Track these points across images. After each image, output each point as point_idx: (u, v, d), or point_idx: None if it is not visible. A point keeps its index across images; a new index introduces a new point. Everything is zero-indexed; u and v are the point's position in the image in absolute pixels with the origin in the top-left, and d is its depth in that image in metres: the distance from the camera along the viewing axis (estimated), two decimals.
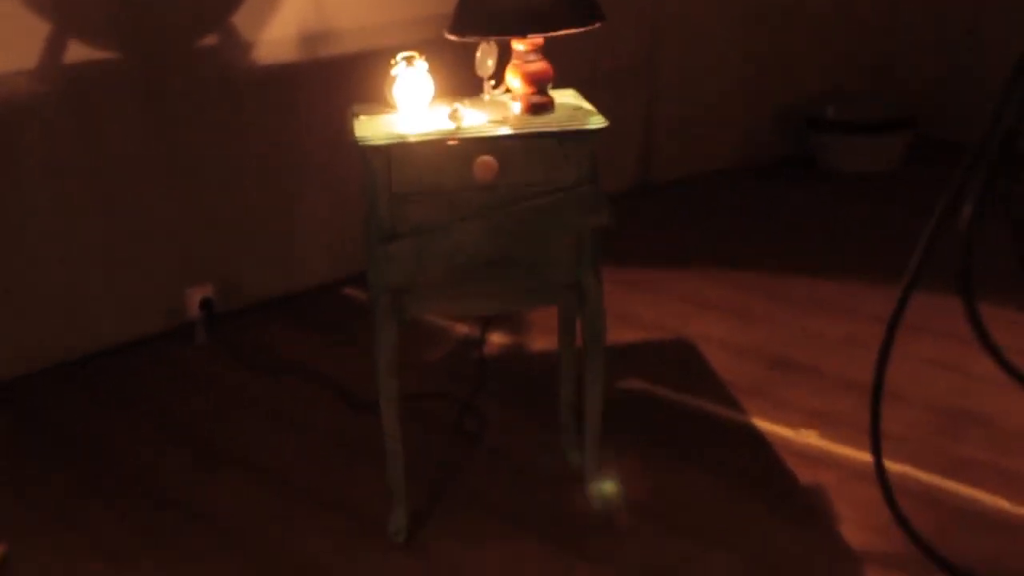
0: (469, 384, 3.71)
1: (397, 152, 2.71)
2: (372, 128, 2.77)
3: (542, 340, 4.01)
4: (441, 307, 2.91)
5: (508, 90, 2.91)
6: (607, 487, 3.07)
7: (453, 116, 2.74)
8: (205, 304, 4.17)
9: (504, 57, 2.86)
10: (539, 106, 2.80)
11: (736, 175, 5.76)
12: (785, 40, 5.79)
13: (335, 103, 4.21)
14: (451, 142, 2.72)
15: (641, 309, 4.27)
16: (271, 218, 4.38)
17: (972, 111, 5.64)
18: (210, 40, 4.12)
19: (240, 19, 4.16)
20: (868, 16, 6.01)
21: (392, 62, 2.82)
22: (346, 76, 4.09)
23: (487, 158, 2.73)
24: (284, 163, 4.36)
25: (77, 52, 3.79)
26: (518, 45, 2.79)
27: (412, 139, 2.71)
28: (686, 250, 4.87)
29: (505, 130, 2.74)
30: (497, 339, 4.03)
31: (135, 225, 4.05)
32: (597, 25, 2.74)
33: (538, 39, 2.78)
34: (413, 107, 2.83)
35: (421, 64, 2.84)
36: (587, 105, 2.89)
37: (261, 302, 4.39)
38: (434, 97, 2.90)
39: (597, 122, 2.76)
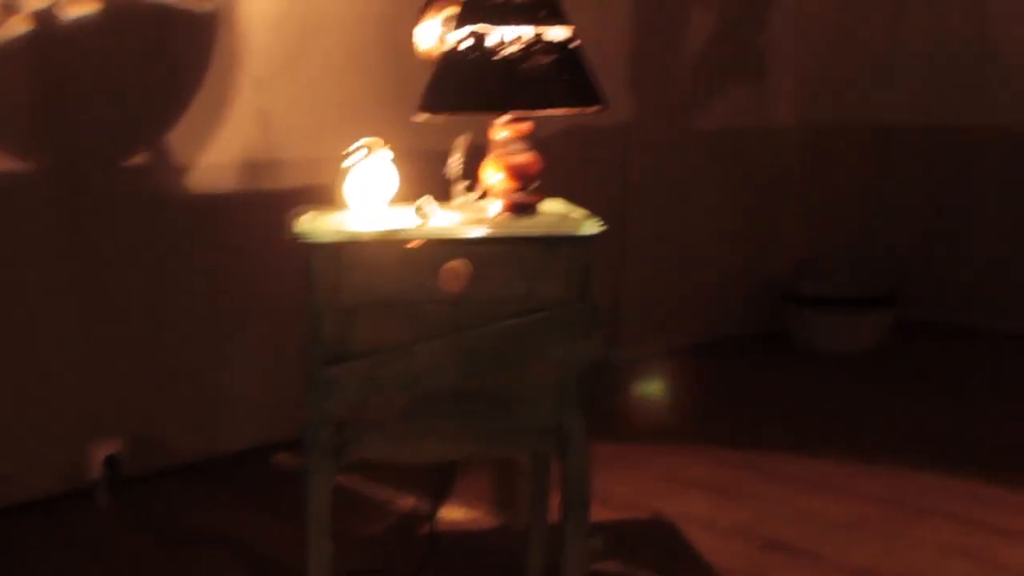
0: (414, 560, 3.13)
1: (347, 253, 2.23)
2: (319, 224, 2.28)
3: (507, 501, 3.56)
4: (391, 448, 2.34)
5: (484, 195, 2.45)
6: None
7: (419, 212, 2.26)
8: (110, 462, 3.62)
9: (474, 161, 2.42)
10: (523, 206, 2.33)
11: (707, 350, 5.37)
12: (760, 211, 5.52)
13: (277, 240, 3.78)
14: (413, 243, 2.23)
15: (614, 486, 3.79)
16: (196, 368, 3.86)
17: (952, 291, 5.60)
18: (141, 159, 3.65)
19: (177, 139, 3.71)
20: (844, 186, 5.81)
21: (347, 151, 2.36)
22: (291, 211, 3.61)
23: (457, 264, 2.24)
24: (216, 305, 3.86)
25: None
26: (500, 132, 2.34)
27: (366, 237, 2.23)
28: (659, 425, 4.43)
29: (480, 231, 2.26)
30: (451, 500, 3.49)
31: (34, 363, 3.52)
32: (596, 108, 2.29)
33: (524, 125, 2.32)
34: (370, 204, 2.35)
35: (384, 153, 2.38)
36: (579, 211, 2.42)
37: (177, 464, 3.84)
38: (396, 196, 2.43)
39: (592, 228, 2.29)
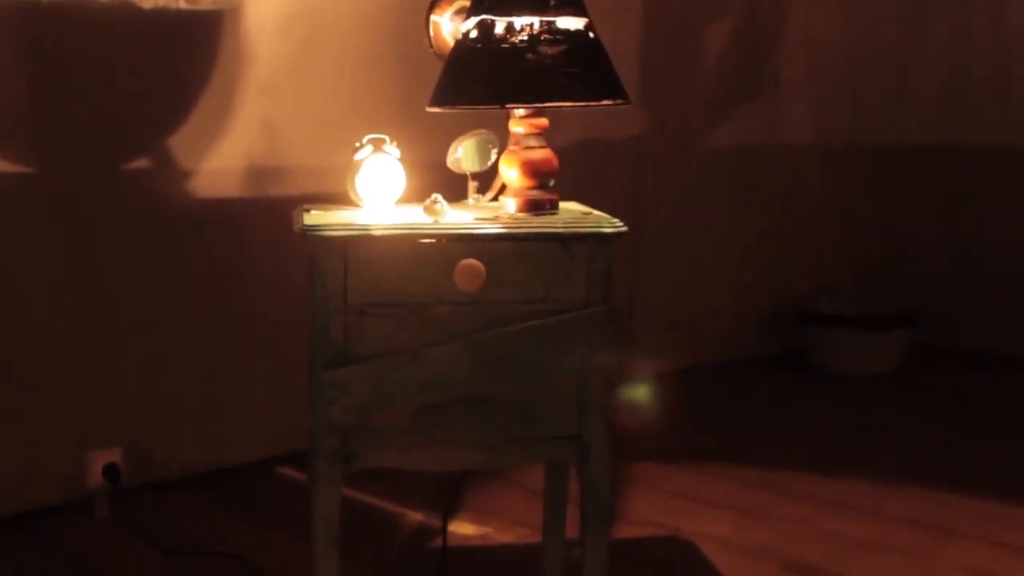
0: None
1: (356, 249, 2.11)
2: (326, 220, 2.17)
3: (521, 515, 3.39)
4: (400, 457, 2.20)
5: (498, 196, 2.34)
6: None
7: (431, 209, 2.15)
8: (109, 472, 3.48)
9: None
10: (540, 203, 2.22)
11: (723, 368, 5.25)
12: (776, 229, 5.41)
13: (282, 247, 3.68)
14: (427, 240, 2.12)
15: (630, 504, 3.69)
16: (198, 377, 3.74)
17: (973, 313, 5.48)
18: (142, 163, 3.55)
19: (181, 143, 3.60)
20: (861, 205, 5.71)
21: (356, 145, 2.25)
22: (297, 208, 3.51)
23: (472, 262, 2.12)
24: (218, 311, 3.75)
25: None
26: (516, 127, 2.23)
27: (376, 232, 2.11)
28: (675, 445, 4.31)
29: (496, 228, 2.14)
30: (464, 515, 3.37)
31: (32, 370, 3.40)
32: (617, 103, 2.17)
33: (540, 120, 2.21)
34: (380, 200, 2.24)
35: (392, 150, 2.27)
36: (597, 212, 2.31)
37: (179, 476, 3.71)
38: (403, 198, 2.32)
39: (614, 226, 2.18)
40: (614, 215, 2.26)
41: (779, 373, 5.30)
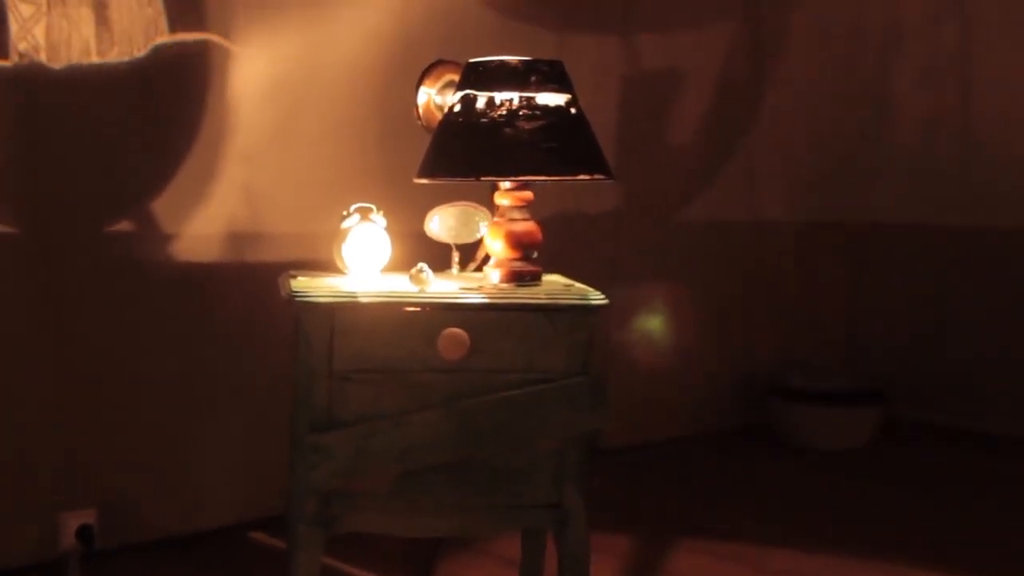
0: None
1: (343, 315, 2.14)
2: (312, 286, 2.20)
3: None
4: (382, 521, 2.23)
5: (481, 266, 2.38)
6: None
7: (416, 278, 2.19)
8: (83, 534, 3.46)
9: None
10: (524, 274, 2.26)
11: (692, 441, 5.28)
12: (748, 303, 5.47)
13: (259, 312, 3.71)
14: (412, 308, 2.15)
15: (599, 574, 3.63)
16: (172, 438, 3.72)
17: (940, 390, 5.55)
18: (124, 225, 3.57)
19: (162, 207, 3.63)
20: (832, 281, 5.78)
21: (344, 213, 2.29)
22: (275, 285, 3.53)
23: (456, 331, 2.16)
24: (194, 374, 3.74)
25: None
26: (502, 199, 2.28)
27: (363, 300, 2.14)
28: (645, 517, 4.30)
29: (481, 298, 2.18)
30: None
31: (4, 429, 3.38)
32: (595, 178, 2.22)
33: (524, 193, 2.26)
34: (365, 269, 2.28)
35: (379, 219, 2.31)
36: (579, 284, 2.35)
37: (153, 539, 3.68)
38: (388, 266, 2.35)
39: (597, 298, 2.22)
40: (591, 287, 2.30)
41: (750, 446, 5.32)
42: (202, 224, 3.74)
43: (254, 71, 3.79)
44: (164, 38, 3.61)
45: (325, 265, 2.46)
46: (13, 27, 3.30)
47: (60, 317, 3.47)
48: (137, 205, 3.62)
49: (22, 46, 3.32)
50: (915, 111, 5.75)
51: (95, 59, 3.45)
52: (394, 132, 3.35)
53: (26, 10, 3.33)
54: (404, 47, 3.83)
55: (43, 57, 3.36)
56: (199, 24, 3.70)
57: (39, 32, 3.36)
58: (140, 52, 3.55)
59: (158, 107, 3.64)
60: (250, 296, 3.73)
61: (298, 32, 3.87)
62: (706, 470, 4.99)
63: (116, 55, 3.50)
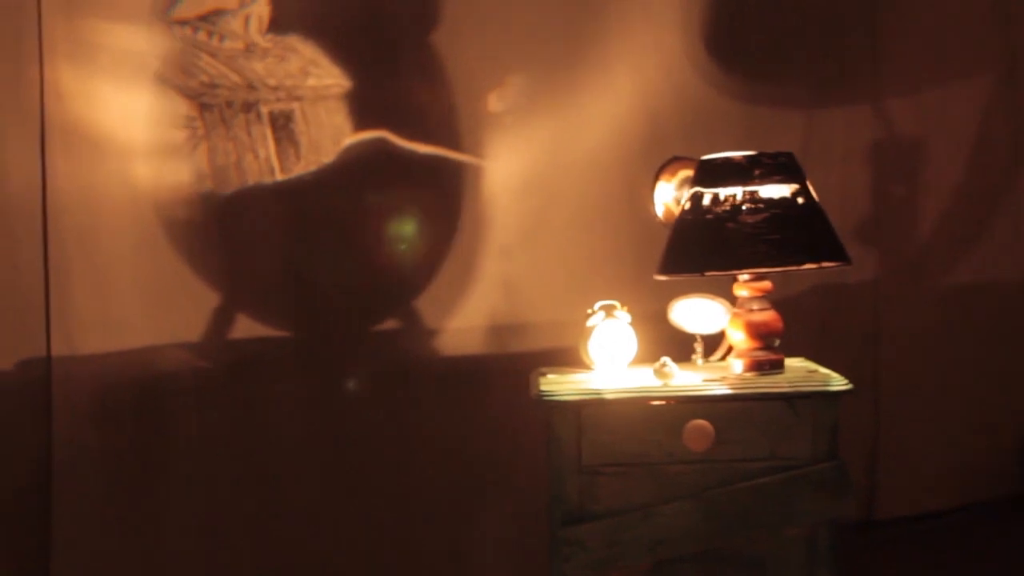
0: None
1: (590, 412, 2.23)
2: (560, 384, 2.30)
3: None
4: None
5: (725, 356, 2.43)
6: None
7: (660, 372, 2.26)
8: None
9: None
10: (766, 363, 2.30)
11: (972, 511, 5.05)
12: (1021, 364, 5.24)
13: (522, 401, 3.82)
14: (657, 402, 2.22)
15: None
16: (438, 537, 3.87)
17: None
18: (390, 323, 3.78)
19: (425, 304, 3.81)
20: None
21: (589, 311, 2.39)
22: (533, 371, 3.66)
23: (702, 423, 2.22)
24: (460, 471, 3.88)
25: (243, 326, 3.47)
26: (741, 291, 2.33)
27: (609, 396, 2.23)
28: None
29: (724, 389, 2.23)
30: None
31: (278, 521, 3.61)
32: (822, 266, 2.25)
33: (763, 283, 2.31)
34: (611, 364, 2.36)
35: (623, 315, 2.40)
36: (823, 369, 2.37)
37: None
38: (635, 359, 2.43)
39: (840, 384, 2.23)
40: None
41: None
42: (464, 318, 3.90)
43: (506, 175, 3.95)
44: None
45: (577, 354, 2.55)
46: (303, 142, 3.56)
47: (332, 413, 3.69)
48: (404, 303, 3.81)
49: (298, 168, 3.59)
50: None
51: None
52: (640, 223, 3.42)
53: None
54: (649, 141, 3.89)
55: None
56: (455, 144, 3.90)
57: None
58: None
59: (421, 207, 3.84)
60: (511, 387, 3.85)
61: (548, 132, 4.00)
62: (987, 543, 4.79)
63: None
